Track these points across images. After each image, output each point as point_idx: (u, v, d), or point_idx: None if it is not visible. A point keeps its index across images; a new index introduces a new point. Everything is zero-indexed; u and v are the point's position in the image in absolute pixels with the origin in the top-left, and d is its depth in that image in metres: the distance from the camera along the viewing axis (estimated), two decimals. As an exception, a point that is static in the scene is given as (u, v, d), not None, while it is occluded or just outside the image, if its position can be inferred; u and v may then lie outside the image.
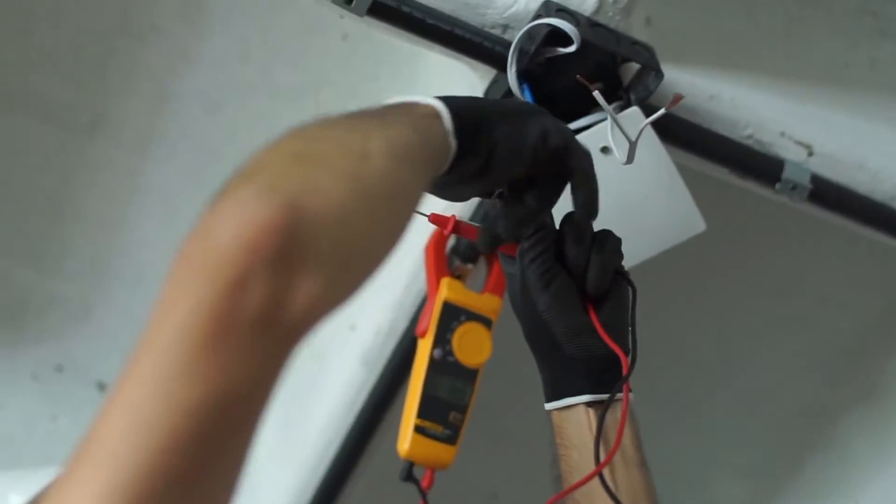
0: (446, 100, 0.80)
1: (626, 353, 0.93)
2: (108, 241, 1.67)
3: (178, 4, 1.46)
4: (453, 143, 0.79)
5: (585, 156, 0.89)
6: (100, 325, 1.73)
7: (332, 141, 0.66)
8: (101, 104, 1.55)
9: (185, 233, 0.59)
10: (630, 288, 0.96)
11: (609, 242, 0.95)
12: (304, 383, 1.59)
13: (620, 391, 0.92)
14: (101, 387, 1.77)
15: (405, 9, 1.08)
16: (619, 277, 0.96)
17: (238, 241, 0.56)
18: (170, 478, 0.53)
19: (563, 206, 0.98)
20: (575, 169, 0.89)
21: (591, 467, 0.91)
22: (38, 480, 0.86)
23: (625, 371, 0.92)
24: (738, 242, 1.73)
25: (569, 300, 0.93)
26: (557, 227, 0.97)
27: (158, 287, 0.58)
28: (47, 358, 1.74)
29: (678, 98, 0.91)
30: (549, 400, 0.96)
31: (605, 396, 0.93)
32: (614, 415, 0.92)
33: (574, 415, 0.94)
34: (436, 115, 0.79)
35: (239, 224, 0.57)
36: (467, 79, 1.20)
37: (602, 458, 0.91)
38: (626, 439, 0.92)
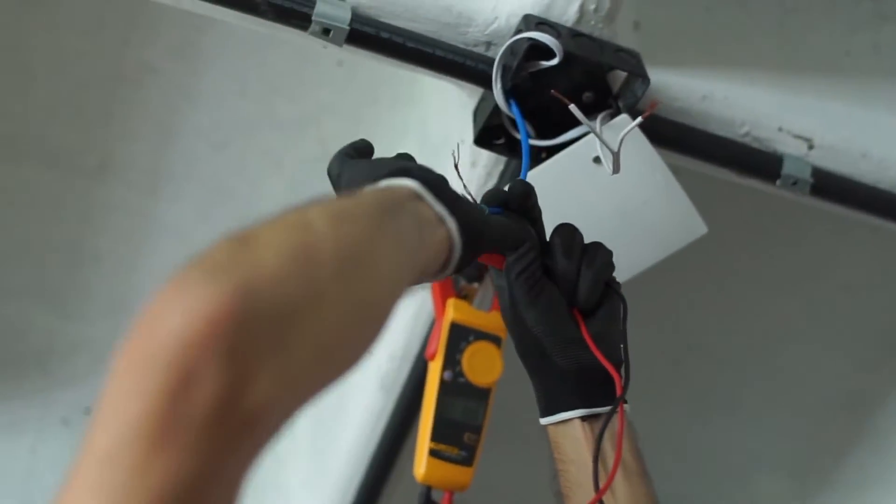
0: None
1: (619, 365, 0.92)
2: (128, 282, 1.69)
3: (172, 45, 1.47)
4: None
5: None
6: (126, 366, 1.74)
7: (270, 221, 0.62)
8: (107, 148, 1.56)
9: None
10: (621, 301, 0.95)
11: (600, 255, 0.94)
12: (330, 411, 1.59)
13: (616, 408, 0.91)
14: (132, 427, 1.78)
15: (384, 35, 1.08)
16: (610, 290, 0.95)
17: (185, 333, 0.53)
18: None
19: (553, 219, 0.98)
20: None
21: (590, 482, 0.90)
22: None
23: (618, 391, 0.90)
24: (759, 236, 1.71)
25: (558, 314, 0.92)
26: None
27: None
28: (76, 402, 1.75)
29: (654, 105, 0.90)
30: (543, 415, 0.95)
31: (599, 410, 0.92)
32: (611, 428, 0.91)
33: (569, 429, 0.93)
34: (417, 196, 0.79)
35: (185, 313, 0.53)
36: (458, 98, 1.20)
37: (602, 474, 0.90)
38: (626, 451, 0.91)
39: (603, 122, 1.11)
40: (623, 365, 0.93)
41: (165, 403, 0.52)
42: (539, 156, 1.14)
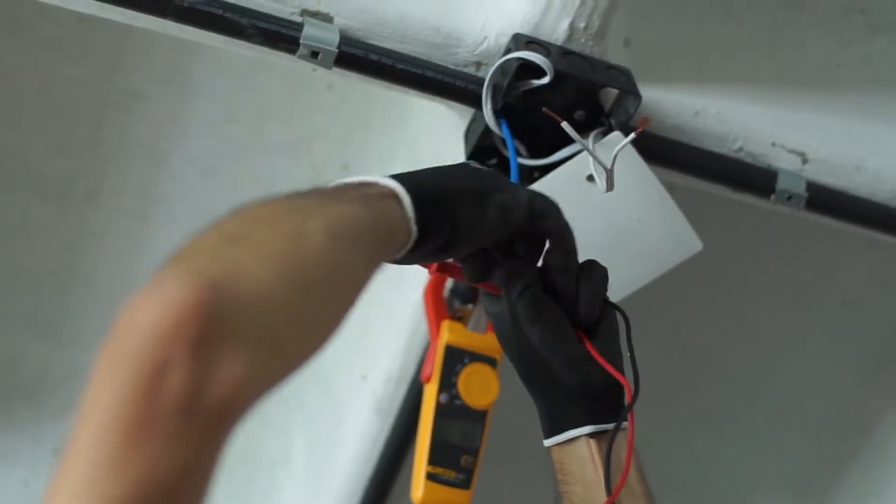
0: (405, 180, 0.79)
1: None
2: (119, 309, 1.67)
3: (161, 71, 1.46)
4: (414, 228, 0.78)
5: (553, 213, 0.88)
6: (119, 393, 1.72)
7: (266, 222, 0.64)
8: (97, 175, 1.55)
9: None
10: (622, 316, 0.95)
11: (596, 271, 0.94)
12: (325, 437, 1.58)
13: (625, 420, 0.91)
14: (127, 456, 1.76)
15: (373, 57, 1.07)
16: (608, 306, 0.95)
17: (156, 326, 0.55)
18: None
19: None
20: (548, 230, 0.88)
21: (598, 502, 0.89)
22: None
23: (629, 399, 0.89)
24: (758, 252, 1.71)
25: (563, 330, 0.91)
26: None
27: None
28: (69, 432, 1.73)
29: (644, 122, 0.89)
30: (548, 436, 0.94)
31: (606, 426, 0.91)
32: (617, 445, 0.90)
33: (576, 448, 0.92)
34: (393, 195, 0.78)
35: (157, 308, 0.55)
36: (449, 119, 1.19)
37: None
38: (630, 470, 0.90)
39: (595, 140, 1.10)
40: (634, 380, 0.92)
41: (138, 396, 0.54)
42: (532, 175, 1.14)
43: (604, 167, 0.94)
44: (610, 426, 0.91)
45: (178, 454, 0.54)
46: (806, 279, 1.73)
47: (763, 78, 1.31)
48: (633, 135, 0.91)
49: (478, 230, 0.83)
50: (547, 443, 0.94)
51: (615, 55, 1.16)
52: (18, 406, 1.74)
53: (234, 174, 1.56)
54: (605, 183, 0.96)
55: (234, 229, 0.63)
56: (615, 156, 0.92)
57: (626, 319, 0.94)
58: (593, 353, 0.90)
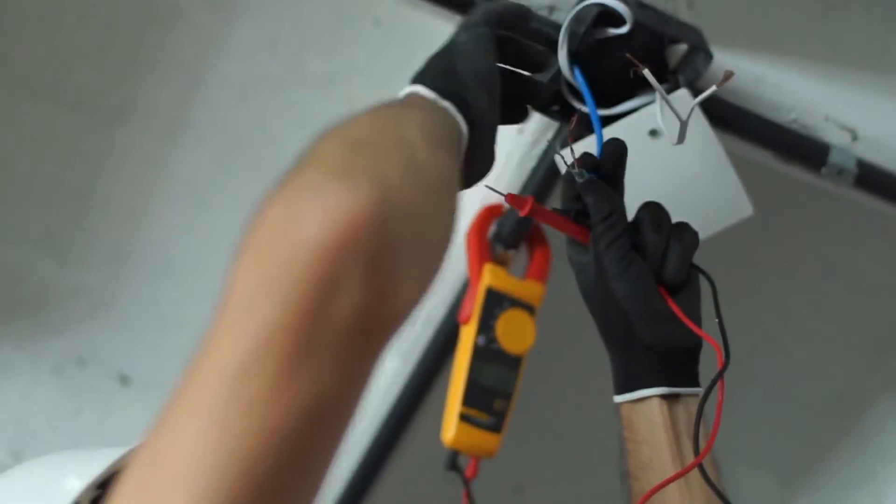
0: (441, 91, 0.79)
1: (700, 346, 0.92)
2: (134, 231, 1.66)
3: (208, -8, 1.44)
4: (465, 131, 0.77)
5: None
6: (123, 316, 1.71)
7: (379, 129, 0.62)
8: (130, 93, 1.53)
9: (247, 222, 0.54)
10: (708, 281, 0.94)
11: (688, 233, 0.94)
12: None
13: (712, 385, 0.90)
14: (124, 379, 1.75)
15: (452, -11, 1.07)
16: (694, 270, 0.95)
17: (326, 240, 0.51)
18: (261, 495, 0.49)
19: (637, 197, 0.98)
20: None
21: (664, 464, 0.89)
22: (97, 462, 0.84)
23: (720, 363, 0.89)
24: (769, 232, 1.71)
25: (648, 286, 0.91)
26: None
27: (186, 277, 0.54)
28: (69, 350, 1.72)
29: (729, 75, 0.89)
30: (619, 392, 0.94)
31: (679, 390, 0.91)
32: (688, 410, 0.90)
33: (646, 408, 0.92)
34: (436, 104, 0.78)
35: (324, 219, 0.52)
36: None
37: (678, 461, 0.89)
38: (702, 438, 0.90)
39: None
40: (724, 343, 0.91)
41: (307, 313, 0.50)
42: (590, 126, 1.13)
43: (680, 118, 0.94)
44: (683, 390, 0.91)
45: (342, 373, 0.51)
46: (818, 264, 1.74)
47: (813, 55, 1.32)
48: (714, 87, 0.91)
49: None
50: (617, 399, 0.94)
51: (680, 15, 1.16)
52: (20, 320, 1.72)
53: (267, 102, 1.55)
54: (675, 135, 0.96)
55: (348, 136, 0.60)
56: (693, 107, 0.92)
57: (713, 285, 0.94)
58: (677, 312, 0.90)
